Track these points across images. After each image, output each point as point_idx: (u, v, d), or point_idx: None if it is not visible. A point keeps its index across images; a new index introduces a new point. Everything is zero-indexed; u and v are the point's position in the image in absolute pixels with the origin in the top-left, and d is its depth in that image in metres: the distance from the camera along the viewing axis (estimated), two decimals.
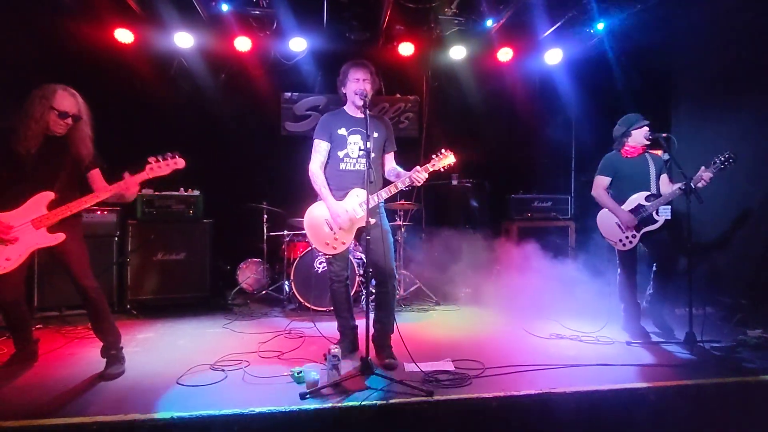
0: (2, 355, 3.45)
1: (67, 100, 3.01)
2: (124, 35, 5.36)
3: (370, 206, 3.20)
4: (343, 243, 3.42)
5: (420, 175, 3.30)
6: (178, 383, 3.00)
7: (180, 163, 3.20)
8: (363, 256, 4.26)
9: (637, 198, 4.01)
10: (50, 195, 3.02)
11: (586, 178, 5.91)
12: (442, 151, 3.43)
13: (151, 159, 3.14)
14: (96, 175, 3.21)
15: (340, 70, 3.50)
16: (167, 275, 4.99)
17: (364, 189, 3.27)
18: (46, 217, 2.98)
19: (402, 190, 3.41)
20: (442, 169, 3.43)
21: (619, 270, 4.14)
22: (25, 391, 2.91)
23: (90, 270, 3.19)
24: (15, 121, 2.97)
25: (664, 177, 4.10)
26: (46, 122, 2.97)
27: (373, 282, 3.47)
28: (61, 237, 3.02)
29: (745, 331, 3.91)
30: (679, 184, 3.81)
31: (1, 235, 2.88)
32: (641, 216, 3.96)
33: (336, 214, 3.36)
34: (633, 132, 4.04)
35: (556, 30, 5.77)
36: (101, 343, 3.25)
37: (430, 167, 3.37)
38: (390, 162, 3.64)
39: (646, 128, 4.02)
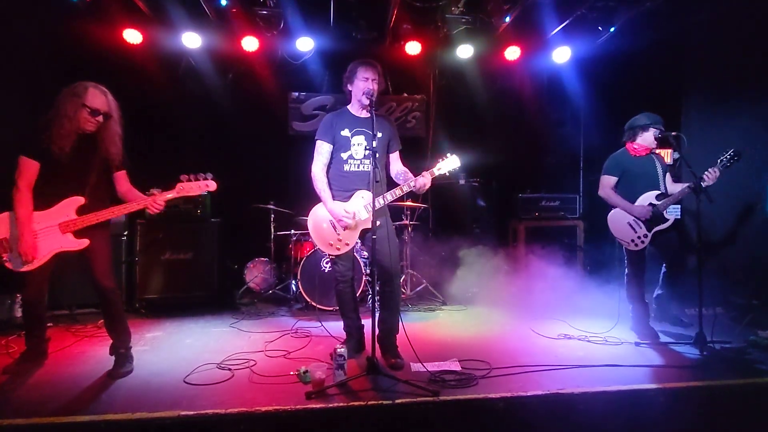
0: (12, 353, 3.48)
1: (99, 98, 3.03)
2: (132, 36, 5.39)
3: (376, 207, 3.20)
4: (347, 244, 3.40)
5: (423, 179, 3.28)
6: (185, 382, 3.02)
7: (211, 185, 3.20)
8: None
9: (648, 197, 3.98)
10: (80, 200, 3.05)
11: (594, 177, 5.87)
12: (447, 154, 3.43)
13: (183, 177, 3.13)
14: (122, 177, 3.23)
15: (347, 68, 3.49)
16: (175, 274, 5.01)
17: (368, 190, 3.25)
18: (74, 223, 3.03)
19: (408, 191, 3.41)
20: (447, 173, 3.43)
21: (627, 270, 4.10)
22: (34, 389, 2.94)
23: (111, 271, 3.21)
24: (45, 120, 2.97)
25: (668, 177, 4.09)
26: (77, 120, 2.98)
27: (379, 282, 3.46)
28: (85, 243, 3.06)
29: (756, 331, 3.85)
30: (687, 183, 3.78)
31: (24, 259, 2.94)
32: (654, 212, 3.91)
33: (337, 216, 3.33)
34: (651, 129, 4.00)
35: (565, 28, 5.72)
36: (110, 341, 3.27)
37: (435, 171, 3.37)
38: (396, 163, 3.58)
39: (655, 130, 3.99)
